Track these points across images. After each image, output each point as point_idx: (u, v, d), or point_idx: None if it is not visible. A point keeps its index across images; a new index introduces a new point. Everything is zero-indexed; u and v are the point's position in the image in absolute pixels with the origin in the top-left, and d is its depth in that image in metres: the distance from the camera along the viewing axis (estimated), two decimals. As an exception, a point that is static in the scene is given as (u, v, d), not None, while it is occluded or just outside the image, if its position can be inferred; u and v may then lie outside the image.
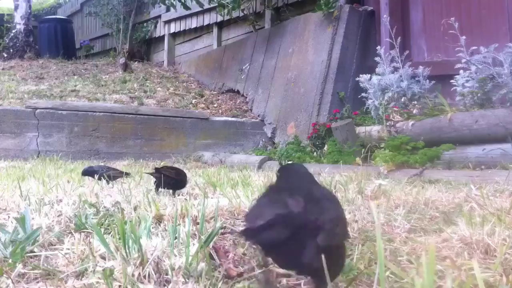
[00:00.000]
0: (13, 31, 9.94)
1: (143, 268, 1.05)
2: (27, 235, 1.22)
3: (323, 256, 0.76)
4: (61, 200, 1.93)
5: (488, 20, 4.57)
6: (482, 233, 1.26)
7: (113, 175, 2.72)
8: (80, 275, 1.07)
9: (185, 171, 2.58)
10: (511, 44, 3.67)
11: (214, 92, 7.60)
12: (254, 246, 1.02)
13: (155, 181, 2.29)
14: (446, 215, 1.65)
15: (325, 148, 4.68)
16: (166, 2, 8.16)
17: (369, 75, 4.77)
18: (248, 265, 1.12)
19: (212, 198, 2.13)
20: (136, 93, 7.03)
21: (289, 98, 5.91)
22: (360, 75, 4.88)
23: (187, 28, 8.98)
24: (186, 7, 7.81)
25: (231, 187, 2.39)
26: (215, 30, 8.35)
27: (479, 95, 3.67)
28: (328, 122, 4.98)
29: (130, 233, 1.14)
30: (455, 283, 0.93)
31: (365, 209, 1.75)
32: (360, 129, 4.49)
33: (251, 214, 0.90)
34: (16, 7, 10.01)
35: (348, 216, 1.64)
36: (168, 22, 9.50)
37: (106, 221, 1.54)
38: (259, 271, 1.05)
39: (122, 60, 8.45)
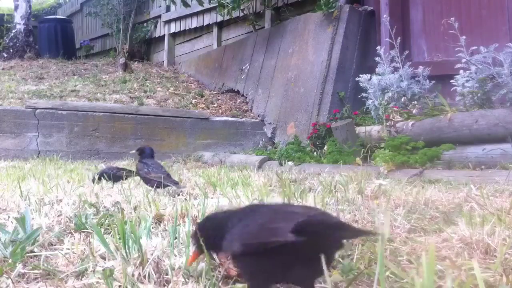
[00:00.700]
0: (13, 31, 9.94)
1: (143, 268, 1.05)
2: (27, 235, 1.22)
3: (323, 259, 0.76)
4: (61, 200, 1.94)
5: (488, 20, 4.57)
6: (482, 233, 1.26)
7: (126, 175, 2.71)
8: (80, 275, 1.07)
9: (185, 170, 2.57)
10: (511, 44, 3.67)
11: (214, 92, 7.60)
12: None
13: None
14: (446, 215, 1.65)
15: (325, 148, 4.67)
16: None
17: (369, 75, 4.77)
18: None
19: (212, 198, 2.13)
20: (136, 93, 7.03)
21: (289, 98, 5.91)
22: (360, 75, 4.88)
23: (187, 28, 8.98)
24: (186, 4, 7.79)
25: (231, 187, 2.39)
26: (215, 30, 8.34)
27: (479, 95, 3.67)
28: (328, 122, 4.97)
29: (130, 233, 1.14)
30: (455, 283, 0.93)
31: (365, 209, 1.75)
32: (360, 129, 4.49)
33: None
34: (16, 7, 10.01)
35: (348, 216, 1.64)
36: (168, 22, 9.49)
37: (106, 221, 1.54)
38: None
39: (122, 60, 8.45)
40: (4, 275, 1.04)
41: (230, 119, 6.34)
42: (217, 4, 7.29)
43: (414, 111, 4.16)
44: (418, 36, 5.20)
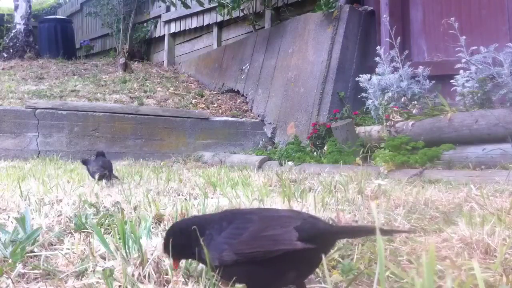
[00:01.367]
0: (13, 31, 9.94)
1: (143, 268, 1.05)
2: (27, 235, 1.22)
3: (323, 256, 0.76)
4: (61, 200, 1.94)
5: (488, 20, 4.57)
6: (482, 233, 1.26)
7: (101, 174, 2.78)
8: (80, 275, 1.07)
9: (185, 170, 2.59)
10: (511, 44, 3.67)
11: (214, 92, 7.60)
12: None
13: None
14: (446, 215, 1.65)
15: (325, 148, 4.67)
16: (166, 0, 8.15)
17: (369, 75, 4.77)
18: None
19: (212, 198, 2.13)
20: (136, 93, 7.03)
21: (289, 98, 5.91)
22: (360, 75, 4.88)
23: (187, 28, 8.98)
24: (186, 6, 7.80)
25: (231, 187, 2.39)
26: (215, 30, 8.34)
27: (479, 95, 3.67)
28: (328, 122, 4.98)
29: (130, 233, 1.14)
30: (455, 283, 0.93)
31: (365, 209, 1.75)
32: (360, 129, 4.49)
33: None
34: (16, 7, 10.01)
35: (348, 216, 1.64)
36: (168, 22, 9.49)
37: (106, 221, 1.54)
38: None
39: (122, 60, 8.45)
40: (4, 275, 1.04)
41: (230, 119, 6.34)
42: (217, 4, 7.29)
43: (414, 111, 4.16)
44: (418, 36, 5.19)
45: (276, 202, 1.87)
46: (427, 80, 4.34)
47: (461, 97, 3.80)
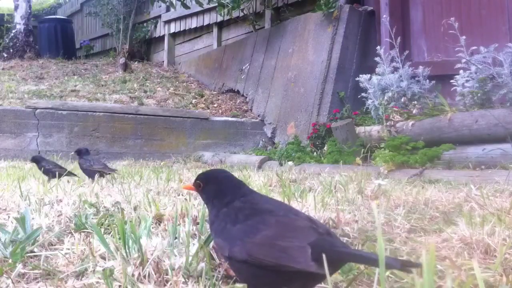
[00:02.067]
0: (13, 31, 9.95)
1: (143, 268, 1.05)
2: (27, 235, 1.22)
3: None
4: (61, 200, 1.93)
5: (488, 20, 4.57)
6: (482, 233, 1.26)
7: (58, 173, 2.80)
8: (80, 275, 1.07)
9: (185, 170, 2.59)
10: (511, 44, 3.67)
11: (214, 92, 7.60)
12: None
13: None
14: (446, 215, 1.65)
15: (325, 148, 4.67)
16: (166, 0, 8.15)
17: (369, 75, 4.77)
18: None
19: (212, 198, 2.12)
20: (136, 93, 7.03)
21: (289, 98, 5.91)
22: (360, 75, 4.88)
23: (187, 28, 8.98)
24: (186, 6, 7.80)
25: (231, 187, 2.38)
26: (215, 30, 8.34)
27: (479, 95, 3.67)
28: (328, 122, 4.98)
29: (130, 233, 1.14)
30: (455, 283, 0.93)
31: (365, 209, 1.75)
32: (360, 129, 4.49)
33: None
34: (16, 7, 10.01)
35: (348, 216, 1.64)
36: (168, 22, 9.49)
37: (106, 221, 1.54)
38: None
39: (122, 60, 8.45)
40: (4, 275, 1.04)
41: (230, 119, 6.34)
42: (217, 4, 7.29)
43: (414, 111, 4.16)
44: (418, 36, 5.19)
45: (276, 202, 1.86)
46: (427, 80, 4.34)
47: (461, 97, 3.79)
